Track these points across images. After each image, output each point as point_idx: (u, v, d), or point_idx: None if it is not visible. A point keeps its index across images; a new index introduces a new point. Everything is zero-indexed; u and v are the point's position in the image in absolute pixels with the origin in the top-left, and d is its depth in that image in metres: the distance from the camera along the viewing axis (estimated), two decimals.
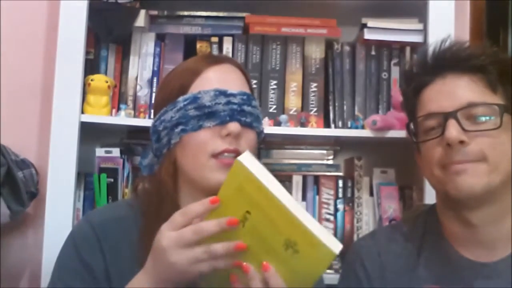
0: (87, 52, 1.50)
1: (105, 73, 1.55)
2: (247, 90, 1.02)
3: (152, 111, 1.52)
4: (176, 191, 1.00)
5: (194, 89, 0.98)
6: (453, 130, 0.96)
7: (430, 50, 1.07)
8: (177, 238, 0.79)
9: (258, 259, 0.78)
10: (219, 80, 0.99)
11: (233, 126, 0.95)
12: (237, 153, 0.95)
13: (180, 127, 0.97)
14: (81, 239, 0.98)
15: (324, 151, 1.64)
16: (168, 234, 0.80)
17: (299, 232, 0.73)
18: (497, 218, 0.99)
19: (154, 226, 0.94)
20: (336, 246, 0.73)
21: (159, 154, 1.02)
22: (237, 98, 0.97)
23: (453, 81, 1.01)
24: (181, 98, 0.97)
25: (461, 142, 0.96)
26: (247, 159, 0.76)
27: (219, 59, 1.03)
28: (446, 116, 0.98)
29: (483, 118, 0.97)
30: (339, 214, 1.56)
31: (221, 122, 0.95)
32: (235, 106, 0.96)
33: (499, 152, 0.96)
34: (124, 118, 1.49)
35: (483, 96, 0.98)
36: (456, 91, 1.00)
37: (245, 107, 0.98)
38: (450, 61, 1.03)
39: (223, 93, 0.96)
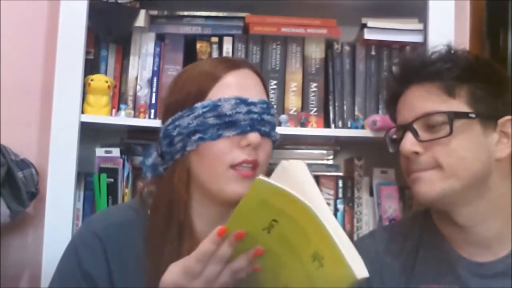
0: (87, 52, 1.50)
1: (105, 73, 1.55)
2: (265, 96, 1.00)
3: (152, 111, 1.53)
4: (189, 198, 0.97)
5: (213, 95, 0.95)
6: (406, 142, 1.00)
7: (403, 60, 1.10)
8: (203, 277, 0.78)
9: (285, 265, 0.77)
10: (238, 86, 0.96)
11: (254, 137, 0.93)
12: (256, 163, 0.94)
13: (197, 135, 0.94)
14: (82, 247, 0.95)
15: (324, 151, 1.64)
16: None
17: (328, 247, 0.71)
18: (484, 218, 1.00)
19: (163, 232, 0.93)
20: (361, 272, 0.71)
21: (170, 158, 0.99)
22: (257, 107, 0.95)
23: (413, 91, 1.03)
24: (199, 105, 0.94)
25: (415, 153, 0.99)
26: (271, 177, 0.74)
27: (238, 64, 0.99)
28: (404, 128, 1.01)
29: (438, 127, 0.98)
30: (339, 214, 1.56)
31: (242, 132, 0.93)
32: (255, 116, 0.94)
33: (454, 159, 0.97)
34: (124, 118, 1.49)
35: (439, 104, 0.99)
36: (414, 101, 1.02)
37: (265, 116, 0.96)
38: (412, 71, 1.04)
39: (244, 101, 0.94)
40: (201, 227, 0.97)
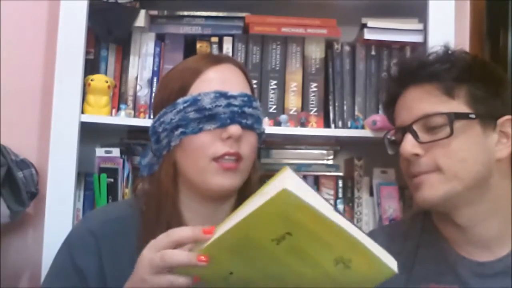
0: (87, 52, 1.50)
1: (105, 73, 1.55)
2: (248, 91, 1.00)
3: (152, 111, 1.53)
4: (176, 192, 0.99)
5: (194, 90, 0.97)
6: (406, 144, 0.99)
7: (401, 62, 1.09)
8: (150, 262, 0.76)
9: (296, 272, 0.76)
10: (219, 80, 0.97)
11: (234, 129, 0.94)
12: (239, 156, 0.95)
13: (180, 130, 0.95)
14: (76, 243, 0.97)
15: (324, 151, 1.64)
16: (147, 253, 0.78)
17: (357, 252, 0.72)
18: (484, 218, 1.00)
19: (153, 227, 0.94)
20: (395, 265, 0.74)
21: (159, 155, 1.01)
22: (237, 100, 0.96)
23: (411, 93, 1.03)
24: (180, 100, 0.96)
25: (416, 155, 0.98)
26: (294, 185, 0.67)
27: (219, 59, 1.01)
28: (404, 130, 1.01)
29: (438, 128, 0.98)
30: None
31: (222, 125, 0.94)
32: (235, 108, 0.95)
33: (455, 160, 0.97)
34: (124, 118, 1.49)
35: (438, 105, 0.99)
36: (413, 103, 1.02)
37: (246, 109, 0.96)
38: (410, 72, 1.04)
39: (223, 95, 0.95)
40: (191, 221, 0.98)
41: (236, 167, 0.95)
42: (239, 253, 0.75)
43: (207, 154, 0.94)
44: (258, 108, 1.01)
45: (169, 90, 0.99)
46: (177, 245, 0.76)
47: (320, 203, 0.70)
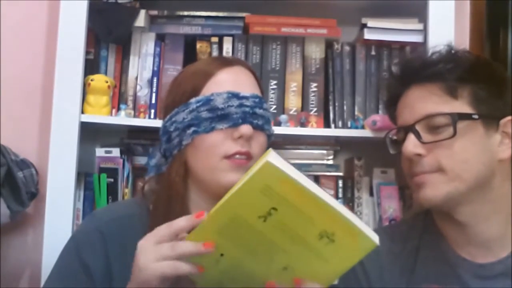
0: (87, 52, 1.50)
1: (105, 73, 1.55)
2: (258, 92, 1.02)
3: (152, 111, 1.53)
4: (186, 192, 1.00)
5: (207, 91, 0.98)
6: (408, 144, 0.99)
7: (403, 61, 1.09)
8: (156, 251, 0.79)
9: (281, 249, 0.78)
10: (231, 82, 0.99)
11: (246, 129, 0.95)
12: (249, 155, 0.96)
13: (192, 129, 0.97)
14: (83, 240, 0.98)
15: (324, 151, 1.64)
16: (146, 243, 0.81)
17: (339, 224, 0.74)
18: (485, 217, 1.00)
19: None
20: (376, 238, 0.76)
21: (169, 154, 1.02)
22: (249, 100, 0.98)
23: (414, 92, 1.03)
24: (193, 100, 0.98)
25: (418, 155, 0.98)
26: (276, 159, 0.72)
27: (231, 61, 1.03)
28: (406, 129, 1.01)
29: (440, 128, 0.98)
30: None
31: (234, 124, 0.96)
32: (247, 109, 0.97)
33: (457, 161, 0.97)
34: (124, 118, 1.49)
35: (441, 105, 0.98)
36: (416, 103, 1.01)
37: (257, 110, 0.98)
38: (413, 71, 1.04)
39: (235, 95, 0.97)
40: None
41: (247, 163, 0.96)
42: (228, 234, 0.78)
43: (219, 152, 0.96)
44: (268, 109, 1.03)
45: (181, 91, 1.01)
46: (177, 235, 0.80)
47: (303, 177, 0.73)
